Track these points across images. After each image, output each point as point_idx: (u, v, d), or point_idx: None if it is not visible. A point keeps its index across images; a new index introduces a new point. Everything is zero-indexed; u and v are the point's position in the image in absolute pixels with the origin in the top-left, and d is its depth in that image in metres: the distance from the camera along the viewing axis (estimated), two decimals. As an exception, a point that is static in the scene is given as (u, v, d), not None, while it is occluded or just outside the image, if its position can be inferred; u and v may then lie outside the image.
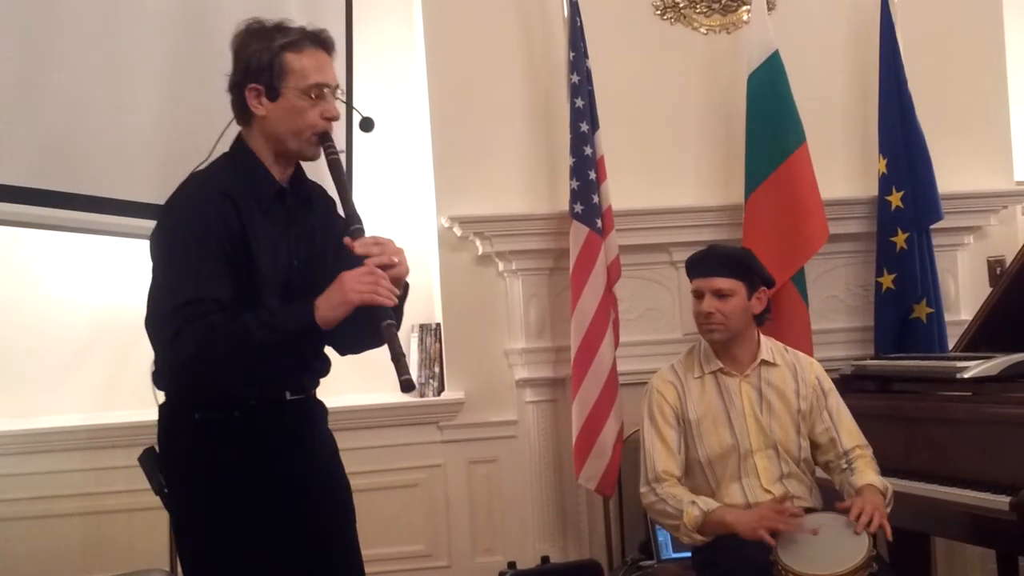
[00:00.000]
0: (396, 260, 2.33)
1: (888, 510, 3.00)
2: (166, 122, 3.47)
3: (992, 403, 3.30)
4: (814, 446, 3.19)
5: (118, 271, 4.29)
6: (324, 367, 2.60)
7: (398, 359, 2.22)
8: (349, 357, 2.66)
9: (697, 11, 4.70)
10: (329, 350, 2.61)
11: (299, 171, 2.52)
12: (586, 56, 4.33)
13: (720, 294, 3.13)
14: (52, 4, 3.19)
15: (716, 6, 4.72)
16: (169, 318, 2.27)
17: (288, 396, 2.47)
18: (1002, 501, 3.03)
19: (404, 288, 2.42)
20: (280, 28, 2.42)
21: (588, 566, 4.16)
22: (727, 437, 3.11)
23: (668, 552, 4.08)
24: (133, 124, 3.38)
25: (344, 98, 2.50)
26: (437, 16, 4.52)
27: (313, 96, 2.38)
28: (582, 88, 4.28)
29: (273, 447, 2.42)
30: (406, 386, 2.21)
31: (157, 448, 2.48)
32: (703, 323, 3.16)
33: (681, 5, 4.68)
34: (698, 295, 3.18)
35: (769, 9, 4.60)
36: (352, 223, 2.37)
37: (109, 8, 3.34)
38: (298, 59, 2.38)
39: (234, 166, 2.45)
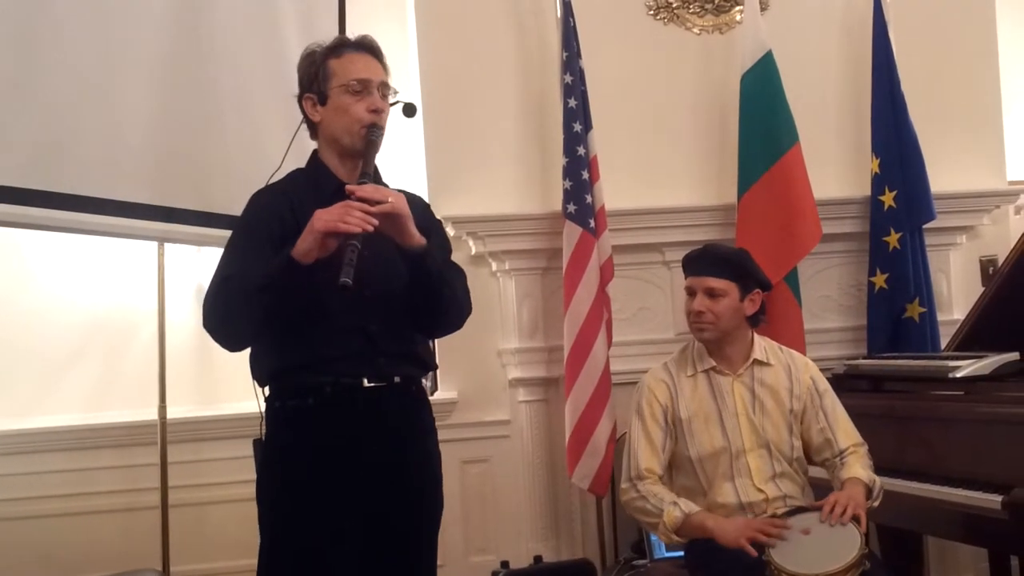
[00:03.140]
0: (389, 199, 2.40)
1: (875, 504, 3.01)
2: (160, 122, 3.47)
3: (984, 402, 3.30)
4: (810, 446, 3.19)
5: (111, 271, 4.29)
6: (407, 351, 2.61)
7: (342, 267, 2.26)
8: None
9: (690, 11, 4.71)
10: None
11: (376, 173, 2.64)
12: (579, 56, 4.34)
13: (712, 293, 3.12)
14: (45, 4, 3.19)
15: (709, 6, 4.72)
16: (206, 299, 2.47)
17: (365, 383, 2.51)
18: (994, 500, 3.03)
19: (444, 240, 2.70)
20: (328, 44, 2.62)
21: (581, 565, 4.16)
22: (718, 436, 3.11)
23: (661, 551, 4.08)
24: (127, 125, 3.38)
25: (395, 97, 2.64)
26: (430, 16, 4.52)
27: (355, 91, 2.54)
28: (575, 88, 4.28)
29: (349, 434, 2.48)
30: (341, 288, 2.25)
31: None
32: (693, 321, 3.16)
33: (674, 5, 4.69)
34: (690, 293, 3.18)
35: (762, 9, 4.61)
36: (360, 179, 2.48)
37: (103, 8, 3.34)
38: (339, 62, 2.58)
39: (302, 172, 2.67)
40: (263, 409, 2.60)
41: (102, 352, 4.29)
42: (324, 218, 2.31)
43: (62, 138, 3.21)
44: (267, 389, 2.59)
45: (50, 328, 4.26)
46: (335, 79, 2.56)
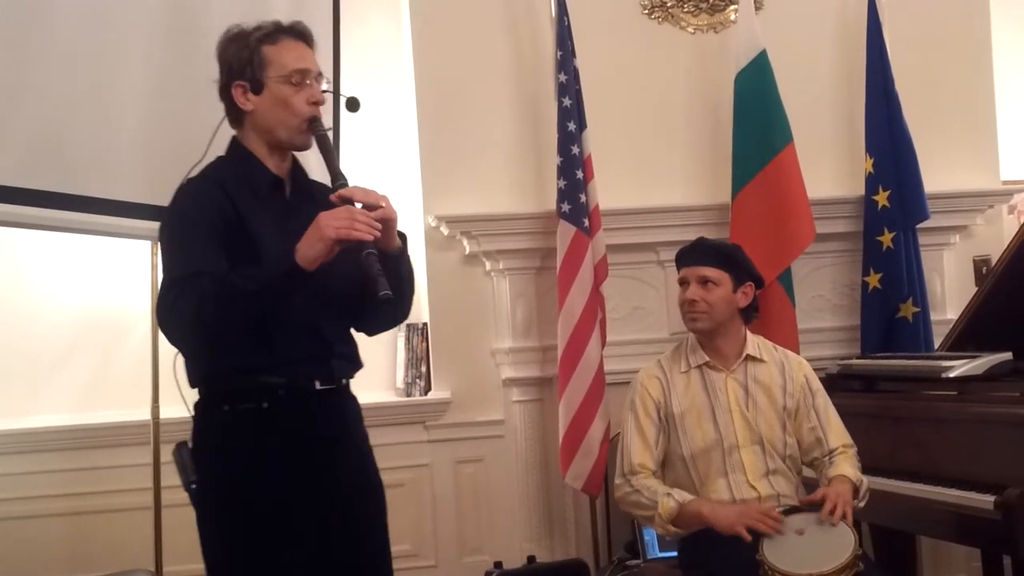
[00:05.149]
0: (382, 204, 2.36)
1: (862, 504, 3.02)
2: (154, 122, 3.46)
3: (977, 402, 3.31)
4: (800, 444, 3.19)
5: (104, 270, 4.28)
6: (353, 353, 2.59)
7: (374, 281, 2.22)
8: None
9: (685, 10, 4.70)
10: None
11: (297, 164, 2.57)
12: (574, 55, 4.33)
13: (705, 282, 3.14)
14: (40, 3, 3.18)
15: (704, 5, 4.72)
16: (166, 295, 2.32)
17: (318, 386, 2.45)
18: (987, 500, 3.04)
19: (403, 240, 2.48)
20: (257, 27, 2.50)
21: (574, 566, 4.16)
22: (711, 432, 3.11)
23: (654, 551, 4.09)
24: (121, 124, 3.38)
25: (329, 87, 2.54)
26: (424, 15, 4.51)
27: (295, 82, 2.44)
28: (569, 87, 4.28)
29: (302, 439, 2.41)
30: (384, 301, 2.22)
31: (190, 443, 2.50)
32: (687, 311, 3.17)
33: (669, 4, 4.69)
34: (683, 283, 3.19)
35: (756, 9, 4.61)
36: (337, 180, 2.40)
37: (97, 8, 3.33)
38: (275, 50, 2.45)
39: (228, 162, 2.52)
40: (192, 412, 2.49)
41: (95, 352, 4.27)
42: (334, 225, 2.25)
43: (55, 137, 3.20)
44: (200, 391, 2.48)
45: (42, 327, 4.25)
46: (272, 68, 2.44)
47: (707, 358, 3.18)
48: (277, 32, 2.48)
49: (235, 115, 2.51)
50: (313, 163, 2.57)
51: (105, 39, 3.33)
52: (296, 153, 2.55)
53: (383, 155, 4.64)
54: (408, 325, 4.50)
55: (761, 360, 3.21)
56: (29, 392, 4.22)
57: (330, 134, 2.49)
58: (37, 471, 4.07)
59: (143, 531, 3.83)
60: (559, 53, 4.31)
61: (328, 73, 4.07)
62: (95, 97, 3.31)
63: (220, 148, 2.58)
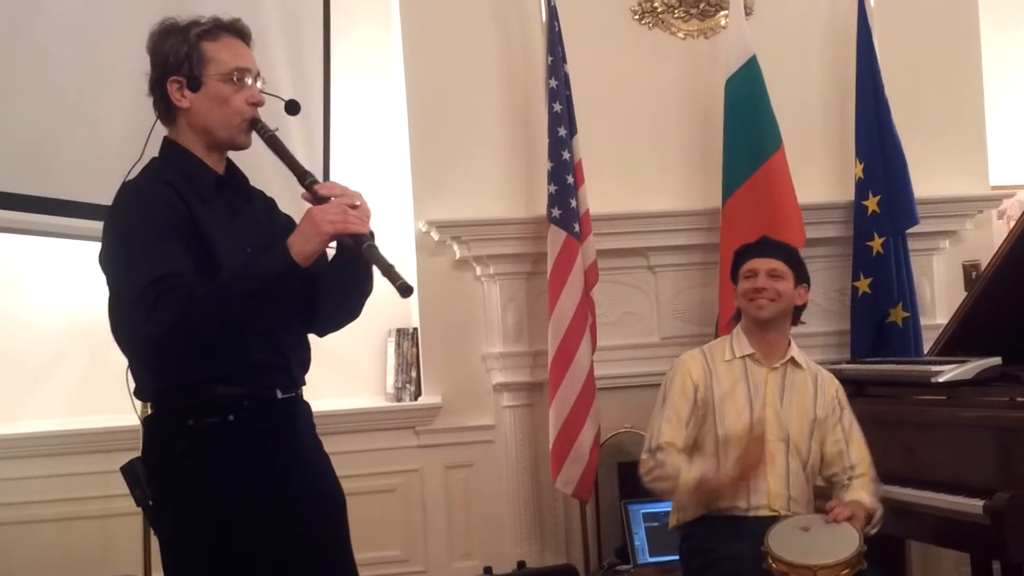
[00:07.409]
0: (356, 202, 2.29)
1: (873, 532, 3.06)
2: (141, 126, 3.43)
3: (966, 407, 3.32)
4: (823, 458, 3.25)
5: (92, 276, 4.24)
6: (308, 360, 2.53)
7: (388, 271, 2.17)
8: (327, 360, 2.61)
9: (675, 16, 4.71)
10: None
11: (232, 165, 2.49)
12: (564, 60, 4.33)
13: (774, 274, 3.25)
14: (28, 6, 3.17)
15: (694, 11, 4.73)
16: (140, 299, 2.18)
17: (279, 395, 2.38)
18: (976, 505, 3.04)
19: (371, 236, 2.32)
20: (195, 22, 2.40)
21: (565, 571, 4.16)
22: (746, 420, 3.18)
23: (644, 556, 4.09)
24: (108, 128, 3.35)
25: (268, 88, 2.44)
26: (415, 19, 4.51)
27: (235, 81, 2.36)
28: (560, 92, 4.28)
29: (270, 450, 2.33)
30: (404, 290, 2.15)
31: (142, 459, 2.39)
32: (754, 298, 3.25)
33: (659, 10, 4.69)
34: (750, 275, 3.27)
35: (747, 14, 4.61)
36: (306, 178, 2.32)
37: (85, 11, 3.32)
38: (215, 47, 2.36)
39: (168, 161, 2.41)
40: (143, 426, 2.39)
41: (83, 356, 4.25)
42: (330, 220, 2.20)
43: (44, 142, 3.19)
44: (155, 404, 2.38)
45: (31, 332, 4.24)
46: (212, 65, 2.33)
47: (752, 350, 3.27)
48: (217, 29, 2.38)
49: (167, 112, 2.41)
50: (249, 163, 2.53)
51: (93, 41, 3.32)
52: (234, 155, 2.47)
53: (373, 160, 4.64)
54: (398, 330, 4.50)
55: (800, 367, 3.29)
56: (18, 397, 4.20)
57: (278, 134, 2.40)
58: (26, 476, 4.06)
59: (132, 537, 3.81)
60: (550, 58, 4.31)
61: (318, 76, 4.11)
62: (83, 101, 3.30)
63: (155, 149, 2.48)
